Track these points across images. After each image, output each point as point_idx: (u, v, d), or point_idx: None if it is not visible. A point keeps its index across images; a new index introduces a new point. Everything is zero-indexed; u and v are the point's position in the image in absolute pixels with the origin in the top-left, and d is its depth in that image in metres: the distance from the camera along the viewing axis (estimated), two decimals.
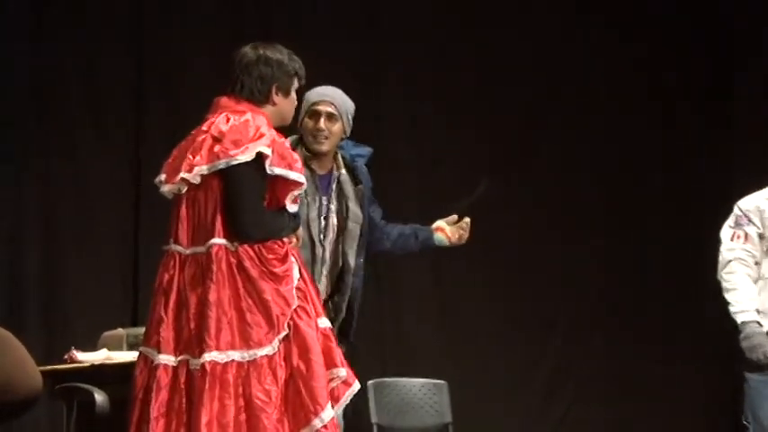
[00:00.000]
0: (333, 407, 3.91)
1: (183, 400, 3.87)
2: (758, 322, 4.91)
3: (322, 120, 4.52)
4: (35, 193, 6.65)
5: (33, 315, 6.49)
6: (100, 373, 4.83)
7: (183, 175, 3.93)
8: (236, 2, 7.08)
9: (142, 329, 4.79)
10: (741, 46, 7.86)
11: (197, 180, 3.91)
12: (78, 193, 6.72)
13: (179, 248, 3.96)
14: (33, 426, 6.01)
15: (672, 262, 7.41)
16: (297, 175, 3.96)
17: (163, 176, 4.05)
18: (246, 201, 3.90)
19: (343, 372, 3.97)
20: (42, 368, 4.41)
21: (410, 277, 7.00)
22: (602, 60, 7.72)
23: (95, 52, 6.75)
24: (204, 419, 3.77)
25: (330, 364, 3.94)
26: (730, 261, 5.02)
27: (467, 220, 4.75)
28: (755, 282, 5.05)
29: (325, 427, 3.85)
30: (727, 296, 4.99)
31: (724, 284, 5.01)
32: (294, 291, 3.94)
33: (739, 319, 4.92)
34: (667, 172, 7.67)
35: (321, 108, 4.54)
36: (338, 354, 4.00)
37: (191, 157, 3.95)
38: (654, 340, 7.42)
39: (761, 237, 5.08)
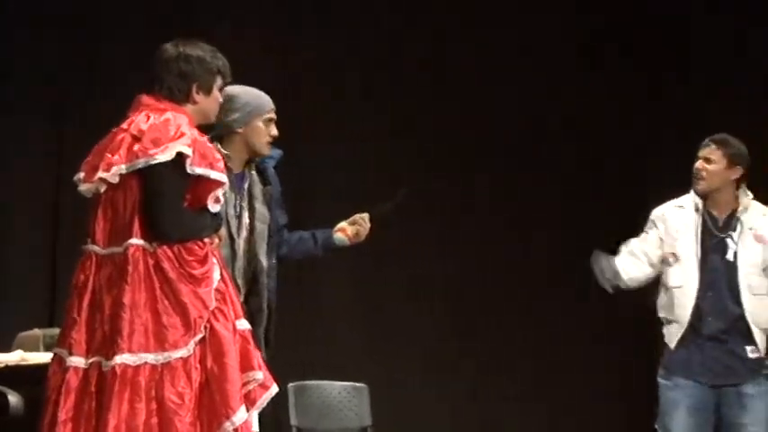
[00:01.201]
0: (248, 410, 3.88)
1: (93, 404, 3.83)
2: (607, 258, 5.24)
3: (274, 127, 4.58)
4: None
5: None
6: (14, 375, 4.76)
7: (101, 174, 3.88)
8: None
9: (58, 330, 4.61)
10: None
11: (115, 179, 3.87)
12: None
13: (96, 248, 3.91)
14: None
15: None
16: (218, 175, 3.92)
17: (81, 175, 3.98)
18: (166, 201, 3.86)
19: (260, 374, 3.95)
20: None
21: (329, 279, 6.99)
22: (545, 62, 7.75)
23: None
24: (112, 423, 3.73)
25: (247, 366, 3.92)
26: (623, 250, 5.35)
27: (363, 215, 4.78)
28: (661, 292, 5.29)
29: (236, 430, 3.81)
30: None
31: None
32: (213, 293, 3.92)
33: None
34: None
35: (274, 116, 4.60)
36: (256, 356, 3.98)
37: (109, 155, 3.90)
38: (573, 325, 7.50)
39: (661, 240, 5.26)
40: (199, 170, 3.85)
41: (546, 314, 7.63)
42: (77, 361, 3.82)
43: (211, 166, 3.90)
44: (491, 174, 7.69)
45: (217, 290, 3.92)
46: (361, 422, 6.57)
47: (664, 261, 5.28)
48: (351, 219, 4.81)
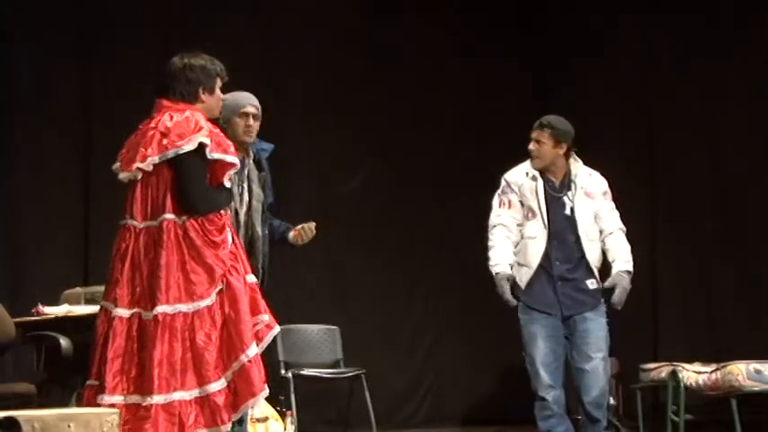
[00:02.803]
0: (257, 345, 4.26)
1: (135, 345, 4.20)
2: (507, 272, 5.54)
3: (251, 119, 5.00)
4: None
5: (2, 279, 6.94)
6: (63, 324, 5.25)
7: (138, 164, 4.26)
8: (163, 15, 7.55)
9: (96, 288, 5.42)
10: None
11: (150, 168, 4.25)
12: (35, 181, 7.16)
13: (134, 223, 4.28)
14: (1, 367, 6.34)
15: None
16: (232, 158, 4.32)
17: (118, 165, 4.37)
18: (194, 182, 4.23)
19: (266, 317, 4.33)
20: (15, 320, 5.07)
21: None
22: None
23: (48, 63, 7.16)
24: (156, 358, 4.12)
25: (255, 311, 4.30)
26: (495, 225, 5.67)
27: (311, 224, 5.09)
28: (519, 241, 5.63)
29: (250, 361, 4.22)
30: (489, 253, 5.65)
31: (488, 243, 5.67)
32: (228, 253, 4.27)
33: (493, 270, 5.60)
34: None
35: (249, 110, 5.02)
36: (262, 303, 4.34)
37: (143, 149, 4.27)
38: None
39: (521, 203, 5.65)
40: (216, 155, 4.27)
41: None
42: (122, 312, 4.23)
43: (225, 152, 4.31)
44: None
45: (230, 251, 4.30)
46: (334, 356, 7.33)
47: (525, 216, 5.61)
48: (302, 225, 5.14)
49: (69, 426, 3.81)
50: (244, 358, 4.21)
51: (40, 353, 5.24)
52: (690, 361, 7.12)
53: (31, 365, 5.39)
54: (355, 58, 8.17)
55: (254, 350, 4.25)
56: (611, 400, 7.68)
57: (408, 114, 8.27)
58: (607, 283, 5.63)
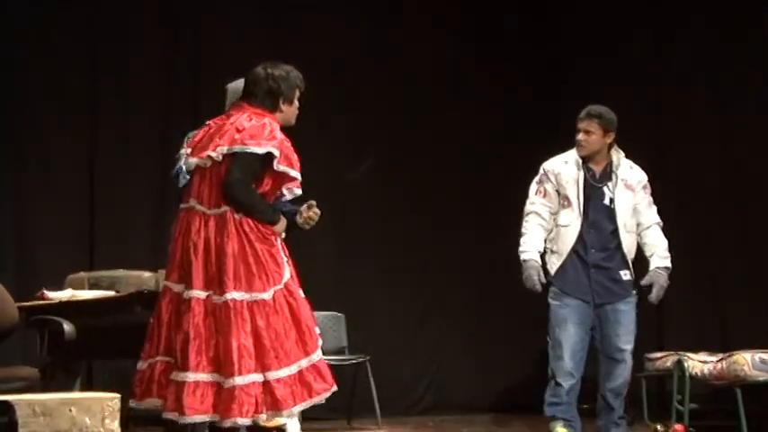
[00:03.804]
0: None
1: (213, 326, 4.40)
2: (536, 260, 5.61)
3: None
4: (7, 168, 7.14)
5: (9, 263, 6.98)
6: (67, 308, 5.27)
7: (209, 152, 4.48)
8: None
9: (101, 272, 5.56)
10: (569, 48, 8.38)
11: (219, 158, 4.46)
12: (42, 167, 7.22)
13: (203, 208, 4.48)
14: (6, 351, 6.03)
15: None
16: (296, 173, 4.51)
17: (189, 150, 4.58)
18: (242, 168, 4.42)
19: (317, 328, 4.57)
20: (19, 304, 5.05)
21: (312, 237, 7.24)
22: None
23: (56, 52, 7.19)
24: (234, 343, 4.33)
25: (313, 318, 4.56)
26: (530, 213, 5.74)
27: (311, 206, 4.84)
28: (552, 229, 5.70)
29: (320, 359, 4.51)
30: (520, 239, 5.72)
31: (521, 229, 5.74)
32: (278, 252, 4.48)
33: (522, 257, 5.66)
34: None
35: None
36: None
37: (217, 140, 4.48)
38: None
39: (558, 192, 5.71)
40: (282, 168, 4.48)
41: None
42: (198, 293, 4.42)
43: (291, 165, 4.50)
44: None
45: (287, 261, 4.52)
46: (339, 343, 7.35)
47: (560, 204, 5.66)
48: (300, 210, 4.90)
49: (71, 410, 3.82)
50: (315, 357, 4.48)
51: (43, 337, 5.23)
52: (696, 350, 7.09)
53: (35, 350, 5.39)
54: (364, 53, 8.18)
55: (318, 355, 4.52)
56: None
57: (416, 104, 8.26)
58: (644, 281, 5.73)
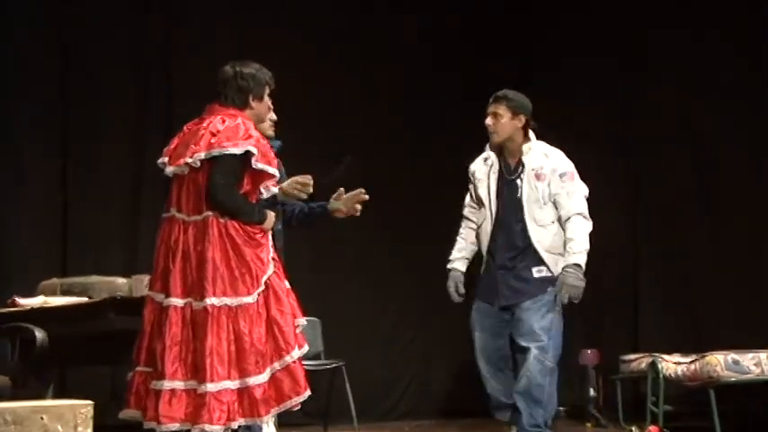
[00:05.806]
0: (299, 349, 4.45)
1: (190, 333, 4.34)
2: (457, 269, 5.46)
3: (272, 113, 4.90)
4: None
5: None
6: (39, 315, 5.18)
7: (187, 159, 4.40)
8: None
9: (73, 279, 5.44)
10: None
11: (197, 164, 4.39)
12: (13, 171, 7.11)
13: (182, 216, 4.43)
14: None
15: None
16: (273, 170, 4.44)
17: (166, 159, 4.50)
18: (223, 171, 4.37)
19: (304, 321, 4.55)
20: None
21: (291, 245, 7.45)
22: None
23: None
24: (208, 349, 4.27)
25: (294, 314, 4.50)
26: (462, 218, 5.61)
27: (359, 193, 5.01)
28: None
29: (294, 362, 4.42)
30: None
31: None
32: (267, 254, 4.41)
33: (448, 266, 5.51)
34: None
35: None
36: (297, 308, 4.52)
37: (193, 146, 4.41)
38: None
39: (475, 190, 5.48)
40: (260, 165, 4.40)
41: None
42: (176, 301, 4.36)
43: (269, 163, 4.43)
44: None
45: (273, 258, 4.45)
46: (315, 348, 7.02)
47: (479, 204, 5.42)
48: (345, 196, 5.07)
49: (42, 418, 3.74)
50: (288, 359, 4.40)
51: (15, 345, 5.04)
52: (669, 352, 7.04)
53: (6, 357, 5.17)
54: (355, 52, 8.17)
55: (297, 352, 4.44)
56: (592, 392, 7.71)
57: (388, 116, 8.25)
58: (555, 287, 5.29)
